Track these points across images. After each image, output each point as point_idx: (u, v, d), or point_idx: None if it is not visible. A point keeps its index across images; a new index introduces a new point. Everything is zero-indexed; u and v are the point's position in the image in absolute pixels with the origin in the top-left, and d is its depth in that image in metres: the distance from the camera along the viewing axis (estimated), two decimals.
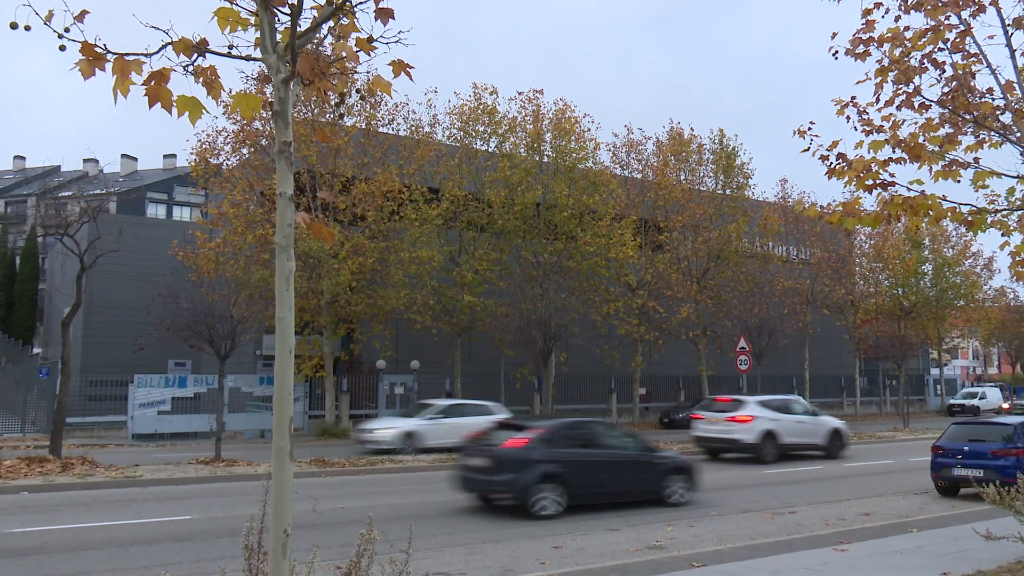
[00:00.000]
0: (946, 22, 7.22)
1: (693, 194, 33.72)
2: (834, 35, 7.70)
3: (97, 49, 3.46)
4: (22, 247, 49.24)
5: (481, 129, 29.65)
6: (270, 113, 3.78)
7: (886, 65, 7.48)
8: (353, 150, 26.13)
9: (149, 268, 30.92)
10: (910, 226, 8.09)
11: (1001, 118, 7.31)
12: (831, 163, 7.60)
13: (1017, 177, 7.36)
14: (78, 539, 10.01)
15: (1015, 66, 7.10)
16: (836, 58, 7.70)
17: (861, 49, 7.55)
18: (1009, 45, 7.12)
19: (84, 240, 18.79)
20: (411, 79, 3.99)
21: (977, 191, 7.75)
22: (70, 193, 31.56)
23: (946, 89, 7.45)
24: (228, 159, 26.59)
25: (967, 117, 7.37)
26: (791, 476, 17.56)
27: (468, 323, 29.00)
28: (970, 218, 7.32)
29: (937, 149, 7.39)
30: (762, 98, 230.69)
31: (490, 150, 29.74)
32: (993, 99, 7.31)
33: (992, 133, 7.44)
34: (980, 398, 44.32)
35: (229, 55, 3.76)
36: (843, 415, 33.56)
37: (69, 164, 65.16)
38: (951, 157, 7.46)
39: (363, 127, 26.75)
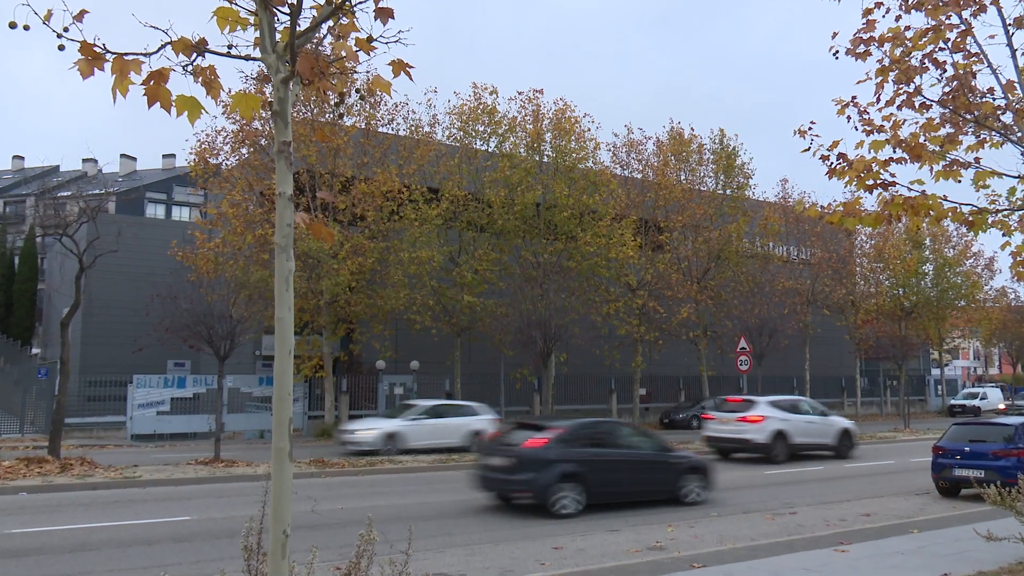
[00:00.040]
0: (947, 22, 7.20)
1: (693, 194, 33.71)
2: (835, 35, 7.69)
3: (96, 49, 3.46)
4: (21, 247, 49.20)
5: (481, 129, 29.63)
6: (269, 113, 3.78)
7: (887, 65, 7.46)
8: (353, 150, 26.11)
9: (148, 268, 30.89)
10: (911, 226, 8.09)
11: (1002, 118, 7.30)
12: (832, 163, 7.59)
13: (1018, 177, 7.35)
14: (77, 540, 9.99)
15: (1016, 66, 7.09)
16: (837, 58, 7.69)
17: (862, 49, 7.54)
18: (1010, 45, 7.11)
19: (83, 240, 18.77)
20: (411, 79, 3.98)
21: (978, 191, 7.75)
22: (69, 193, 31.53)
23: (947, 89, 7.44)
24: (227, 159, 26.57)
25: (968, 117, 7.36)
26: (792, 477, 17.55)
27: (468, 323, 28.98)
28: (971, 218, 7.31)
29: (938, 149, 7.38)
30: (762, 98, 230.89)
31: (490, 150, 29.72)
32: (994, 99, 7.29)
33: (993, 133, 7.43)
34: (981, 399, 44.30)
35: (228, 55, 3.76)
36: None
37: (68, 164, 65.14)
38: (952, 157, 7.45)
39: (363, 127, 26.73)
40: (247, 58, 3.79)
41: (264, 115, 20.92)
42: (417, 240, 26.59)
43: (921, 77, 7.44)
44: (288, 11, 3.57)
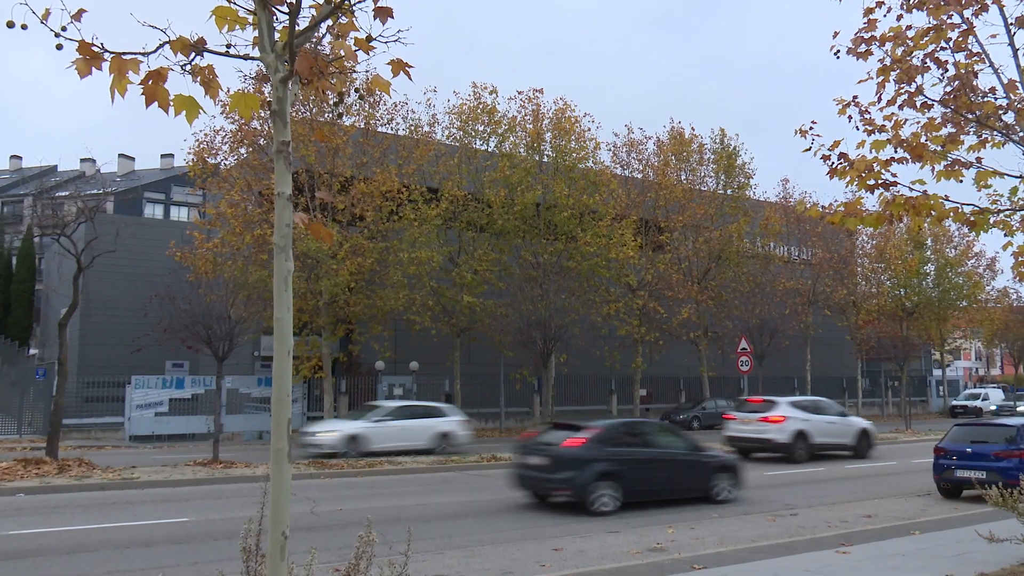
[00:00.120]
0: (948, 21, 7.18)
1: (694, 194, 33.70)
2: (836, 34, 7.67)
3: (94, 48, 3.45)
4: (18, 247, 49.10)
5: (481, 129, 29.62)
6: (268, 112, 3.76)
7: (888, 64, 7.44)
8: (352, 150, 26.06)
9: (146, 268, 30.86)
10: (912, 226, 8.07)
11: (1004, 117, 7.28)
12: (833, 163, 7.57)
13: (1020, 177, 7.32)
14: (75, 541, 9.96)
15: (1018, 65, 7.07)
16: (838, 57, 7.66)
17: (863, 48, 7.51)
18: (1012, 44, 7.09)
19: (81, 240, 18.73)
20: (410, 78, 3.96)
21: (980, 191, 7.72)
22: (67, 193, 31.40)
23: (948, 88, 7.42)
24: (226, 159, 26.52)
25: (969, 116, 7.33)
26: (793, 478, 17.53)
27: (467, 324, 28.95)
28: (972, 218, 7.29)
29: (939, 149, 7.36)
30: (763, 98, 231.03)
31: (490, 150, 29.70)
32: (996, 98, 7.27)
33: (995, 133, 7.40)
34: (983, 399, 44.30)
35: (227, 54, 3.74)
36: None
37: (66, 164, 65.03)
38: (953, 157, 7.43)
39: (362, 127, 26.69)
40: (246, 57, 3.77)
41: (263, 115, 20.87)
42: (416, 240, 26.56)
43: (922, 76, 7.43)
44: (287, 10, 3.55)
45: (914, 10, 7.35)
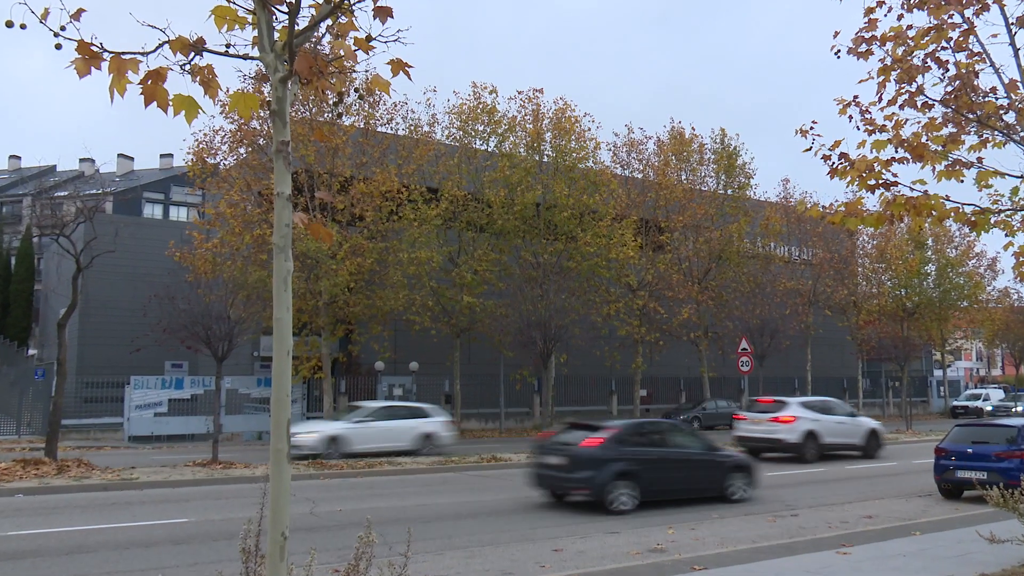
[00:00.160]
0: (949, 20, 7.17)
1: (694, 194, 33.68)
2: (836, 34, 7.66)
3: (93, 48, 3.44)
4: (17, 247, 49.02)
5: (480, 128, 29.60)
6: (268, 112, 3.75)
7: (889, 64, 7.43)
8: (351, 150, 26.05)
9: (146, 269, 30.86)
10: (913, 226, 8.07)
11: (1005, 117, 7.26)
12: (833, 163, 7.56)
13: (1021, 177, 7.31)
14: (74, 542, 9.94)
15: (1019, 65, 7.05)
16: (838, 57, 7.65)
17: (863, 48, 7.50)
18: (1013, 44, 7.07)
19: (80, 240, 18.71)
20: (410, 78, 3.95)
21: (980, 191, 7.70)
22: (66, 193, 31.39)
23: (949, 88, 7.40)
24: (225, 159, 26.51)
25: (970, 116, 7.32)
26: (793, 478, 17.51)
27: (467, 324, 28.93)
28: (973, 218, 7.28)
29: (940, 149, 7.34)
30: (763, 97, 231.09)
31: (489, 150, 29.68)
32: (996, 98, 7.26)
33: (995, 132, 7.39)
34: (984, 400, 44.28)
35: (227, 54, 3.73)
36: None
37: (65, 164, 64.99)
38: (954, 157, 7.42)
39: (361, 126, 26.68)
40: (245, 57, 3.76)
41: (262, 115, 20.86)
42: (416, 240, 26.54)
43: (923, 76, 7.41)
44: (286, 10, 3.54)
45: (915, 10, 7.34)
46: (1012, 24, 7.07)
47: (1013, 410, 38.92)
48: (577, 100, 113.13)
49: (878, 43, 7.44)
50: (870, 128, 7.54)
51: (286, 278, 3.61)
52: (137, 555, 9.24)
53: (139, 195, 58.16)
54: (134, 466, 17.19)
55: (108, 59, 3.46)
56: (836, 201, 7.69)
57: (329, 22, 3.81)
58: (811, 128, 7.68)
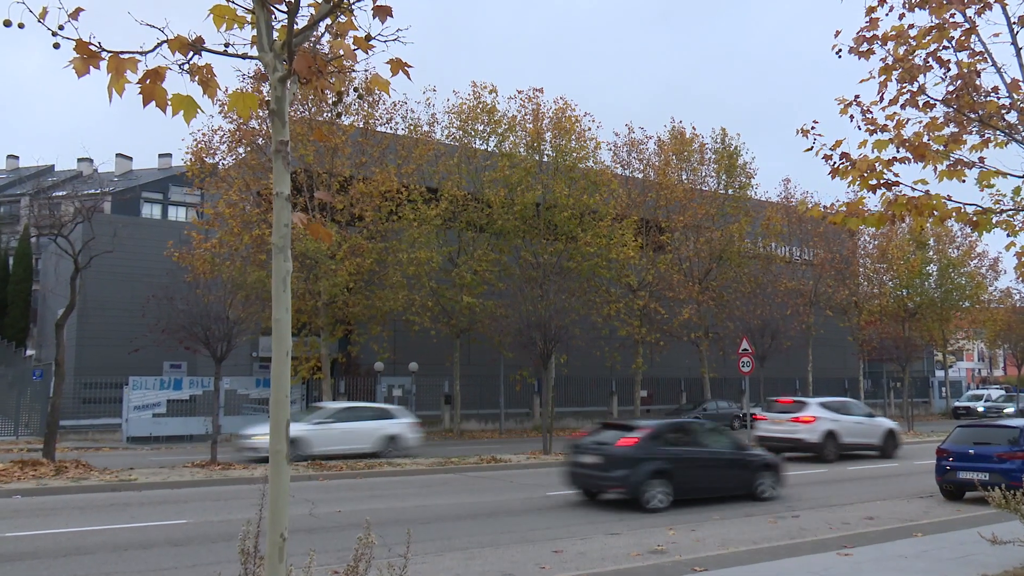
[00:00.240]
0: (951, 20, 7.15)
1: (695, 194, 33.63)
2: (837, 33, 7.63)
3: (92, 47, 3.43)
4: (15, 247, 48.98)
5: (480, 128, 29.56)
6: (267, 112, 3.73)
7: (890, 64, 7.41)
8: (351, 149, 26.02)
9: (144, 269, 30.82)
10: (914, 226, 8.07)
11: (1006, 117, 7.24)
12: (835, 163, 7.53)
13: (1023, 177, 7.29)
14: (72, 543, 9.91)
15: (1020, 64, 7.03)
16: (840, 57, 7.63)
17: (865, 47, 7.48)
18: (1015, 43, 7.06)
19: (78, 240, 18.68)
20: (409, 78, 3.93)
21: (982, 191, 7.67)
22: (64, 193, 31.34)
23: (951, 88, 7.38)
24: (224, 158, 26.47)
25: (972, 116, 7.30)
26: (794, 479, 17.46)
27: (467, 324, 28.89)
28: (975, 218, 7.26)
29: (942, 148, 7.32)
30: (764, 97, 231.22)
31: (489, 149, 29.64)
32: (998, 98, 7.24)
33: (997, 132, 7.37)
34: (985, 400, 44.27)
35: (225, 53, 3.71)
36: None
37: (63, 163, 64.98)
38: (956, 156, 7.40)
39: (361, 126, 26.64)
40: (244, 57, 3.74)
41: (261, 114, 20.85)
42: (416, 240, 26.51)
43: (925, 76, 7.40)
44: (286, 9, 3.53)
45: (916, 9, 7.32)
46: (1014, 23, 7.05)
47: (1004, 411, 38.97)
48: (577, 100, 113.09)
49: (879, 42, 7.42)
50: (871, 128, 7.52)
51: (285, 278, 3.59)
52: (135, 556, 9.21)
53: (137, 195, 58.14)
54: (132, 467, 17.16)
55: (106, 58, 3.45)
56: (837, 201, 7.68)
57: (328, 21, 3.79)
58: (812, 128, 7.66)
